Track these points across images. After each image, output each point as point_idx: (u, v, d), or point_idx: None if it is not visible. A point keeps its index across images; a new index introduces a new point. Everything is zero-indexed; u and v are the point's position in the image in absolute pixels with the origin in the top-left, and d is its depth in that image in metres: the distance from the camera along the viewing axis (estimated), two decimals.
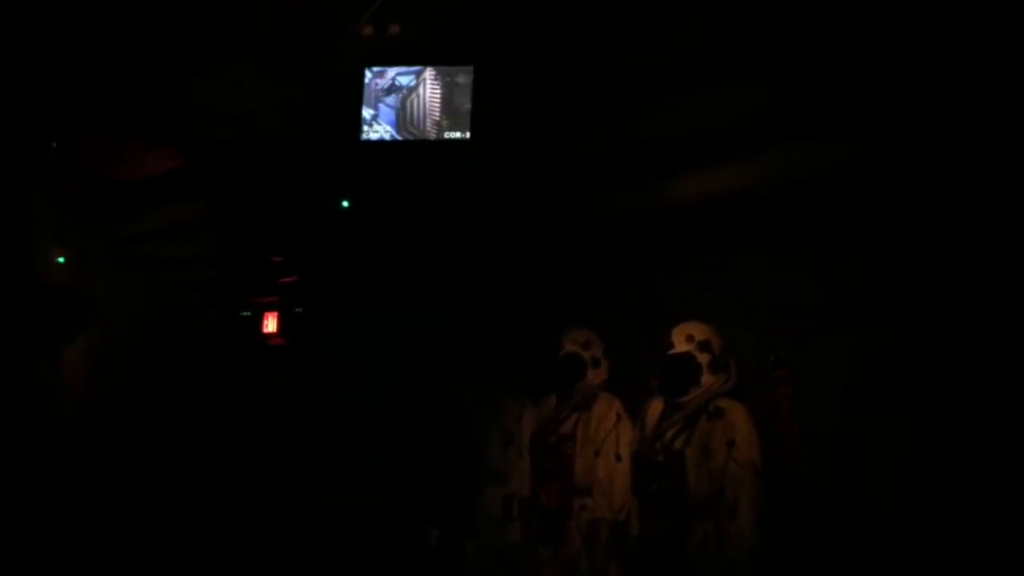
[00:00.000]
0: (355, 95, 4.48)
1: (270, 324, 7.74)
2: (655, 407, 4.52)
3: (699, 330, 4.38)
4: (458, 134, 4.36)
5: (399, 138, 4.46)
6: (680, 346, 4.35)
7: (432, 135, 4.40)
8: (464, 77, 4.28)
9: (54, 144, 7.02)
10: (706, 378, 4.32)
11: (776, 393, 4.28)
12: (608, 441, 4.86)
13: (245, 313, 7.98)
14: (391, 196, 5.24)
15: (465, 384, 5.90)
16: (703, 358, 4.33)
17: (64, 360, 8.07)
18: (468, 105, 4.31)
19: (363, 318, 6.83)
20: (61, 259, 7.97)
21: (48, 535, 6.26)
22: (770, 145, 4.36)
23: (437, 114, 4.38)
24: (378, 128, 4.46)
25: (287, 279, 7.39)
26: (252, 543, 6.63)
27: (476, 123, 4.37)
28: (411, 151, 4.51)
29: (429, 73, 4.36)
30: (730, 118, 4.47)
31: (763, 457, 4.14)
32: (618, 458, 4.81)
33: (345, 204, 5.80)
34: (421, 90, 4.37)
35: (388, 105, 4.42)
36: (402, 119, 4.42)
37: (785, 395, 4.27)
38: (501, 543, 5.49)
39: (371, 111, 4.46)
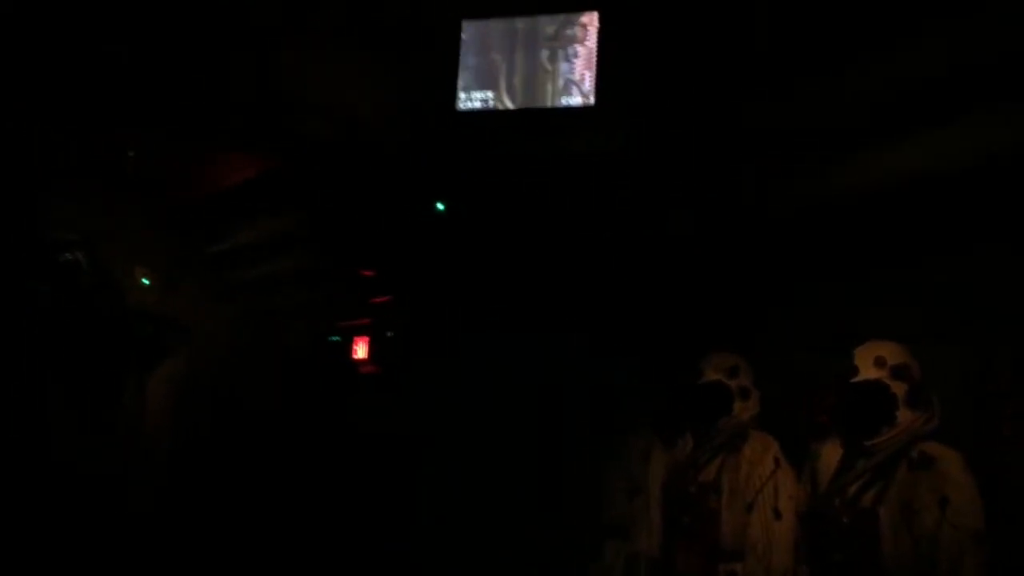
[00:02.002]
0: (451, 55, 3.64)
1: (360, 350, 6.96)
2: (831, 452, 3.50)
3: (893, 352, 3.35)
4: (579, 100, 3.45)
5: (504, 107, 3.60)
6: (867, 372, 3.33)
7: (546, 101, 3.51)
8: (585, 26, 3.38)
9: (131, 153, 6.49)
10: (903, 414, 3.28)
11: (1003, 433, 3.22)
12: (765, 493, 3.85)
13: (334, 338, 7.22)
14: (494, 185, 4.37)
15: (585, 421, 4.98)
16: (899, 388, 3.29)
17: (148, 387, 7.62)
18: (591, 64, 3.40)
19: (467, 344, 5.97)
20: (145, 280, 7.51)
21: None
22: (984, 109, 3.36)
23: (553, 75, 3.49)
24: (478, 95, 3.61)
25: (379, 299, 6.60)
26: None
27: (602, 86, 3.45)
28: (519, 122, 3.63)
29: (543, 22, 3.47)
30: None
31: (986, 520, 3.07)
32: (777, 515, 3.80)
33: (440, 207, 4.97)
34: (532, 44, 3.48)
35: (490, 65, 3.55)
36: (508, 82, 3.55)
37: (1014, 436, 3.20)
38: None
39: (469, 74, 3.61)
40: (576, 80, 3.53)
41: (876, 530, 3.18)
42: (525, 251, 5.06)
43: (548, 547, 4.96)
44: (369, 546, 6.14)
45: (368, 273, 6.01)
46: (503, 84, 3.63)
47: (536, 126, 3.70)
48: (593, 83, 3.50)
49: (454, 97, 3.72)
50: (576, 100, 3.57)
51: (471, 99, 3.67)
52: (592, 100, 3.54)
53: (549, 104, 3.58)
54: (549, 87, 3.60)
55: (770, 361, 4.20)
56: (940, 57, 3.50)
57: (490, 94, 3.67)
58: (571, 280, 5.30)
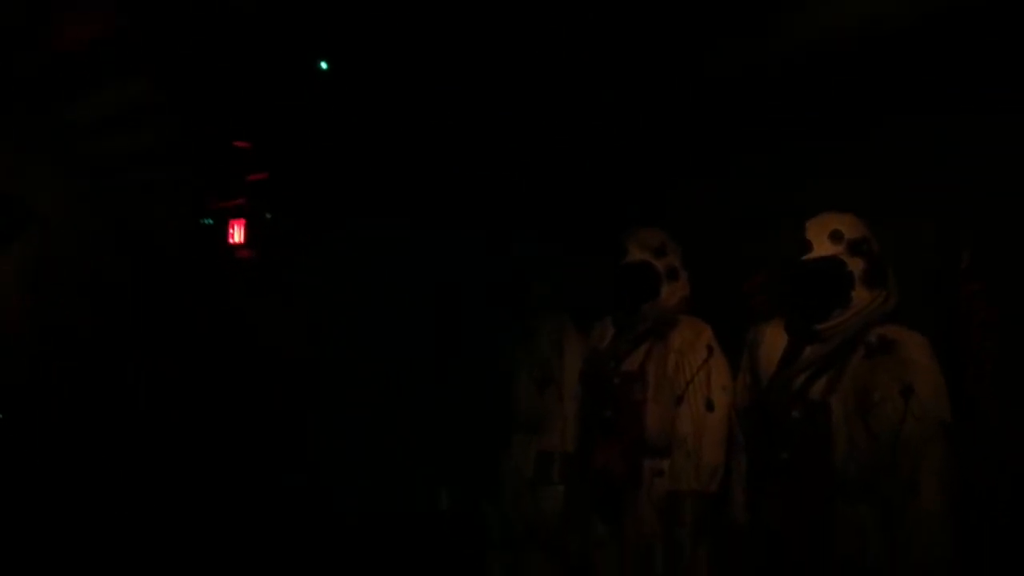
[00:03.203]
0: None
1: (236, 233, 6.29)
2: (773, 338, 3.13)
3: (851, 224, 2.96)
4: None
5: None
6: (822, 247, 2.94)
7: None
8: None
9: None
10: (859, 294, 2.92)
11: (967, 311, 2.90)
12: (696, 383, 3.49)
13: (206, 220, 6.51)
14: (389, 37, 3.75)
15: (488, 307, 4.51)
16: (856, 265, 2.92)
17: None
18: None
19: (355, 227, 5.39)
20: None
21: None
22: None
23: None
24: None
25: (256, 176, 5.91)
26: (225, 508, 5.30)
27: None
28: None
29: None
30: None
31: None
32: (710, 407, 3.45)
33: (323, 65, 4.32)
34: None
35: None
36: None
37: (981, 317, 2.89)
38: (534, 513, 4.17)
39: None
40: None
41: (828, 425, 2.85)
42: (422, 116, 4.48)
43: (453, 450, 4.54)
44: (257, 451, 5.63)
45: (242, 145, 5.31)
46: None
47: None
48: None
49: None
50: None
51: None
52: None
53: None
54: None
55: (697, 240, 3.80)
56: None
57: None
58: (473, 152, 4.76)
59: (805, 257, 2.94)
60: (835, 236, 2.93)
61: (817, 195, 3.34)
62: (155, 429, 6.02)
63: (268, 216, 6.05)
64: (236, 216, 6.21)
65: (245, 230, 6.22)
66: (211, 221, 6.46)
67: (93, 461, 5.81)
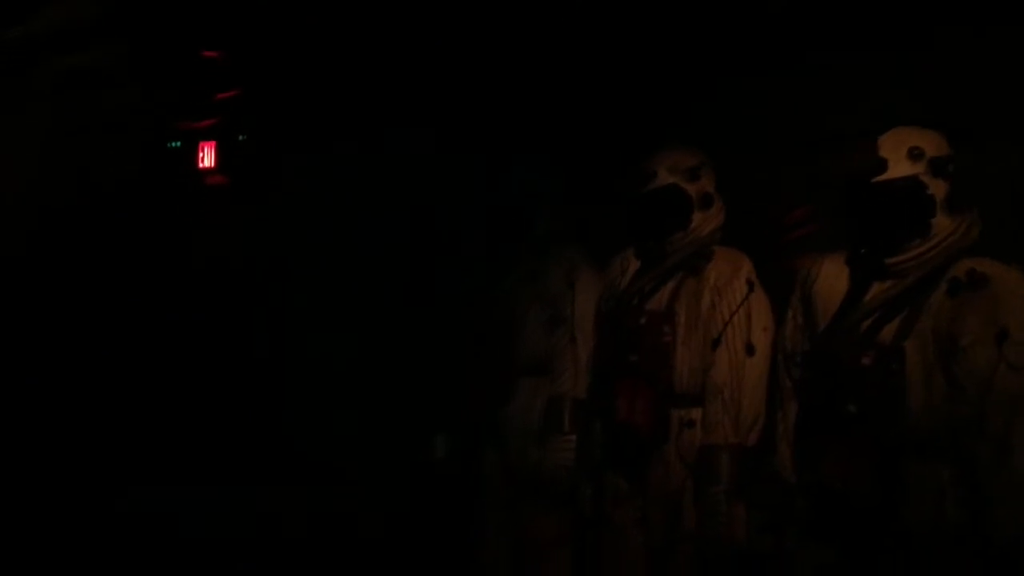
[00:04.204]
0: None
1: (207, 157, 5.75)
2: (832, 272, 2.72)
3: (932, 141, 2.54)
4: None
5: None
6: (899, 166, 2.52)
7: None
8: None
9: None
10: (940, 222, 2.52)
11: None
12: (734, 324, 3.09)
13: (174, 143, 5.96)
14: None
15: (490, 238, 4.07)
16: (939, 188, 2.51)
17: None
18: None
19: (335, 149, 4.89)
20: None
21: None
22: None
23: None
24: None
25: (226, 93, 5.37)
26: (185, 456, 4.89)
27: None
28: None
29: None
30: None
31: None
32: (750, 350, 3.07)
33: None
34: None
35: None
36: None
37: None
38: (541, 464, 3.79)
39: None
40: None
41: (903, 373, 2.46)
42: (414, 19, 3.98)
43: (449, 394, 4.12)
44: (230, 389, 5.20)
45: (211, 54, 4.76)
46: None
47: None
48: None
49: None
50: None
51: None
52: None
53: None
54: None
55: (728, 163, 3.36)
56: None
57: None
58: (468, 62, 4.27)
59: (877, 178, 2.52)
60: (914, 154, 2.51)
61: (867, 117, 2.93)
62: (114, 370, 5.59)
63: (241, 138, 5.52)
64: (206, 138, 5.67)
65: (216, 153, 5.69)
66: (178, 144, 5.92)
67: (50, 407, 5.40)
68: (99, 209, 6.07)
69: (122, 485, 4.93)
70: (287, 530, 4.71)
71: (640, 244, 3.37)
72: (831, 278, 2.70)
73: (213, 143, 5.68)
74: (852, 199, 2.59)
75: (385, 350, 4.72)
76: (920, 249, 2.50)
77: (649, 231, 3.29)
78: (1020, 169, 2.83)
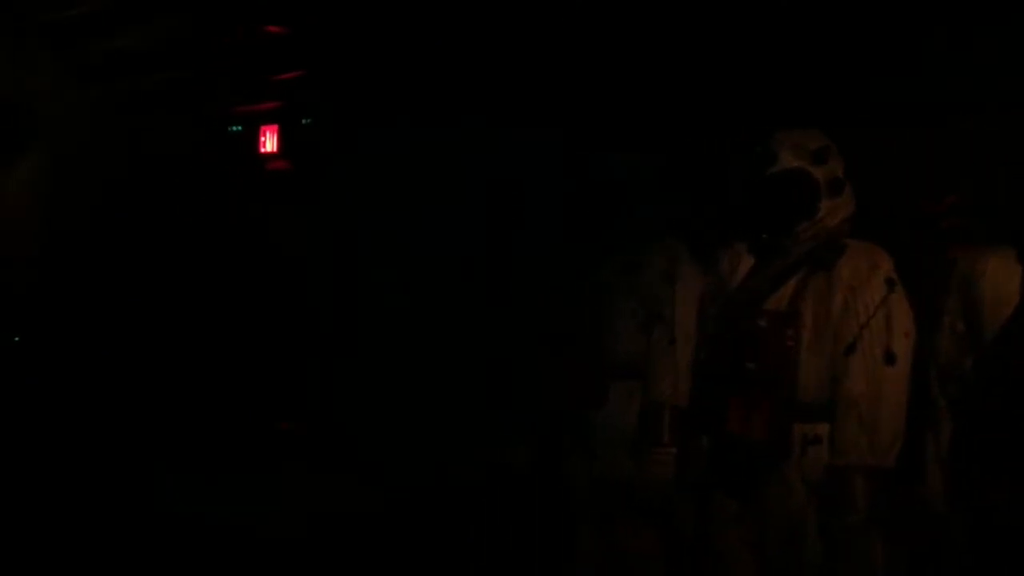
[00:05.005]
0: None
1: (269, 142, 5.49)
2: (1000, 269, 2.32)
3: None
4: None
5: None
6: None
7: None
8: None
9: None
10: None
11: None
12: (872, 328, 2.69)
13: (235, 127, 5.71)
14: None
15: (578, 226, 3.71)
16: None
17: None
18: None
19: (409, 132, 4.56)
20: None
21: None
22: None
23: None
24: None
25: (289, 74, 5.08)
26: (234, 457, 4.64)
27: None
28: None
29: None
30: None
31: None
32: (890, 358, 2.67)
33: None
34: None
35: None
36: None
37: None
38: (635, 477, 3.43)
39: None
40: None
41: None
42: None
43: (532, 397, 3.78)
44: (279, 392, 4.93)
45: (276, 30, 4.46)
46: None
47: None
48: None
49: None
50: None
51: None
52: None
53: None
54: None
55: (854, 146, 2.96)
56: None
57: None
58: (551, 33, 3.90)
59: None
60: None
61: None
62: (173, 348, 5.39)
63: (305, 121, 5.24)
64: (268, 122, 5.41)
65: (278, 137, 5.43)
66: (239, 128, 5.67)
67: (105, 377, 5.24)
68: (154, 185, 5.87)
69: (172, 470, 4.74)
70: (355, 532, 4.44)
71: (756, 236, 2.98)
72: (999, 276, 2.30)
73: (275, 127, 5.43)
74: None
75: (461, 346, 4.41)
76: None
77: (768, 221, 2.90)
78: None
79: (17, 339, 5.94)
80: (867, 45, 3.07)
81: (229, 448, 4.85)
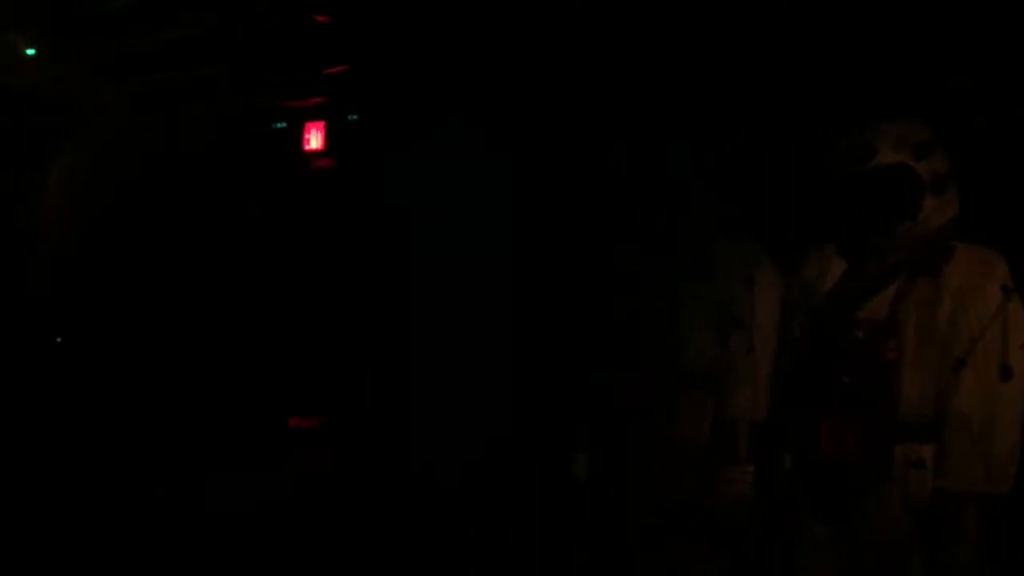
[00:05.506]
0: None
1: (314, 139, 5.31)
2: None
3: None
4: None
5: None
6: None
7: None
8: None
9: None
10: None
11: None
12: (986, 341, 2.44)
13: (279, 125, 5.54)
14: None
15: (643, 223, 3.46)
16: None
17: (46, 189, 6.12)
18: None
19: (463, 133, 4.35)
20: (30, 51, 5.81)
21: None
22: None
23: None
24: None
25: (334, 69, 4.89)
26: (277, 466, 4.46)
27: None
28: None
29: None
30: None
31: None
32: (1006, 374, 2.41)
33: None
34: None
35: None
36: None
37: None
38: (707, 497, 3.18)
39: None
40: None
41: None
42: None
43: (592, 404, 3.54)
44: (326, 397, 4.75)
45: (322, 19, 4.26)
46: None
47: None
48: None
49: None
50: None
51: None
52: None
53: None
54: None
55: (960, 138, 2.69)
56: None
57: None
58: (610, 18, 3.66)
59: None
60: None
61: None
62: (211, 348, 5.25)
63: (352, 118, 5.04)
64: (313, 118, 5.22)
65: (324, 134, 5.24)
66: (284, 125, 5.50)
67: (148, 376, 5.12)
68: (195, 188, 5.73)
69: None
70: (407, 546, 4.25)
71: (849, 237, 2.72)
72: None
73: (321, 123, 5.24)
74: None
75: (515, 351, 4.18)
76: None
77: (865, 221, 2.64)
78: None
79: (59, 340, 5.84)
80: (975, 20, 2.79)
81: (238, 443, 4.75)
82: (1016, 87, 2.72)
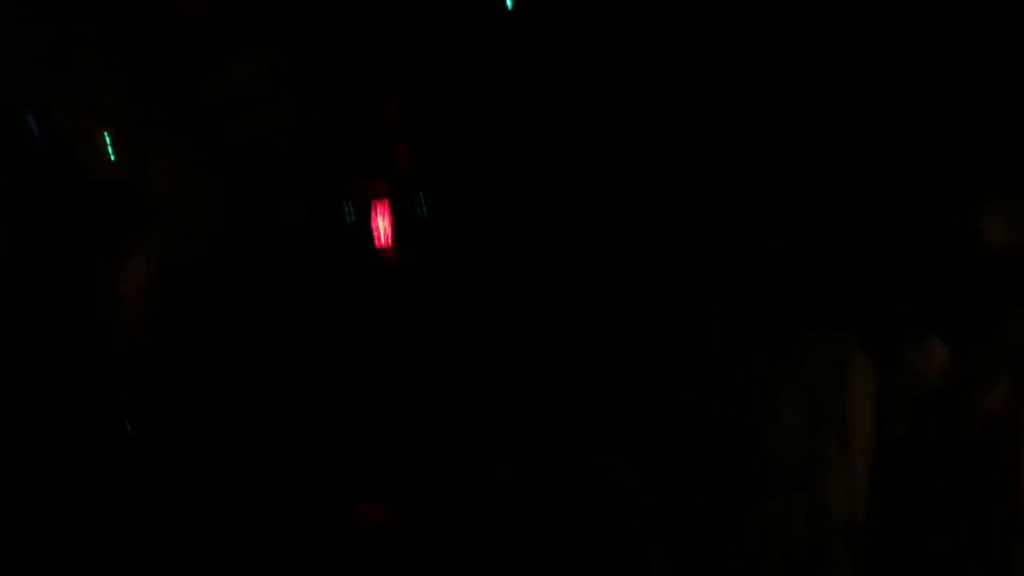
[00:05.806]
0: None
1: (383, 227, 5.22)
2: None
3: None
4: None
5: None
6: None
7: None
8: None
9: None
10: None
11: None
12: None
13: (350, 218, 5.46)
14: None
15: (730, 303, 3.30)
16: None
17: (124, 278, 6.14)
18: None
19: (528, 205, 4.26)
20: (106, 137, 5.90)
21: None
22: None
23: None
24: None
25: (404, 145, 4.84)
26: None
27: None
28: None
29: None
30: None
31: None
32: None
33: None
34: None
35: None
36: None
37: None
38: None
39: None
40: None
41: None
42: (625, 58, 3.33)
43: (672, 506, 3.34)
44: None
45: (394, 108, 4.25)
46: None
47: None
48: None
49: None
50: None
51: None
52: None
53: None
54: None
55: None
56: None
57: None
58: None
59: None
60: None
61: None
62: (288, 439, 5.15)
63: (421, 206, 4.97)
64: (380, 203, 5.16)
65: (391, 226, 5.15)
66: (353, 218, 5.44)
67: (224, 466, 5.04)
68: (275, 273, 5.70)
69: None
70: None
71: (958, 323, 2.54)
72: None
73: (389, 216, 5.15)
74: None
75: (596, 446, 4.00)
76: None
77: (974, 306, 2.46)
78: None
79: (130, 428, 5.82)
80: None
81: None
82: None
